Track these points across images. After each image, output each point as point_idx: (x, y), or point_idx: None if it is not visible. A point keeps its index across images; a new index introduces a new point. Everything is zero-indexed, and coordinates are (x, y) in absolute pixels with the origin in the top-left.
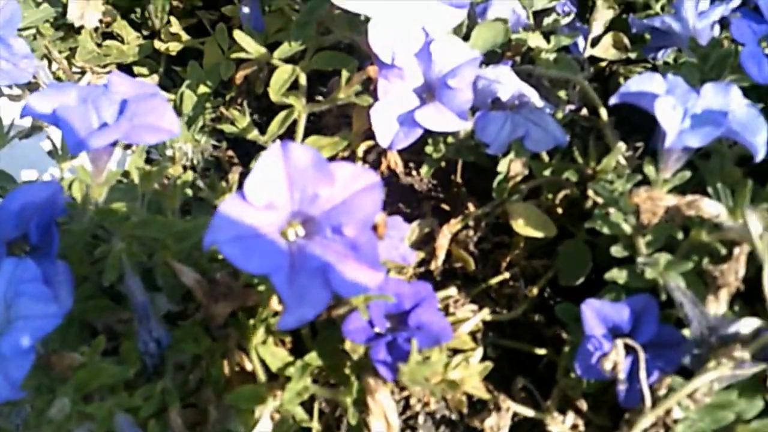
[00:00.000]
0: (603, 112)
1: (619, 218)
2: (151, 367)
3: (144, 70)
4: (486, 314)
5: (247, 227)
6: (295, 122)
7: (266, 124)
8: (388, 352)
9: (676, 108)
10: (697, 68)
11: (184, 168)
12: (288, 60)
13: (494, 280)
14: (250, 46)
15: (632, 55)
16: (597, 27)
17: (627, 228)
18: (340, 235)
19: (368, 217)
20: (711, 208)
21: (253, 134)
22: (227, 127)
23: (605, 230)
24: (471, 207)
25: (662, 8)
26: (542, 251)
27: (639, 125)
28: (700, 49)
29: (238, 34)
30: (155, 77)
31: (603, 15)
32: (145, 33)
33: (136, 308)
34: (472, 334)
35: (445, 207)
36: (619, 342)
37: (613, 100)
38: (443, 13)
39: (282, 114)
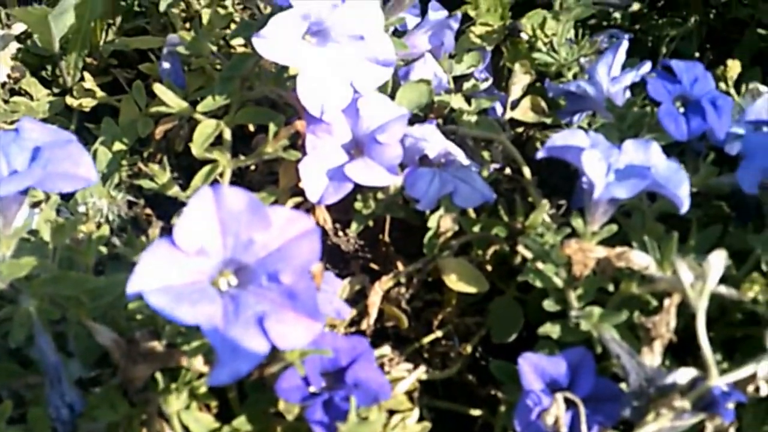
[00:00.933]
0: (526, 171)
1: (550, 271)
2: None
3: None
4: (422, 373)
5: (176, 275)
6: (218, 178)
7: (187, 181)
8: (324, 412)
9: (602, 161)
10: (615, 128)
11: (98, 225)
12: (211, 115)
13: (427, 339)
14: (171, 100)
15: (548, 120)
16: (515, 91)
17: (558, 281)
18: (276, 282)
19: (306, 264)
20: (640, 259)
21: (174, 190)
22: (146, 183)
23: (537, 284)
24: (400, 266)
25: (574, 75)
26: (473, 309)
27: (558, 186)
28: (617, 110)
29: (158, 88)
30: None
31: (521, 79)
32: (56, 91)
33: (48, 370)
34: (408, 394)
35: (374, 266)
36: (559, 396)
37: (540, 155)
38: (371, 70)
39: (206, 169)
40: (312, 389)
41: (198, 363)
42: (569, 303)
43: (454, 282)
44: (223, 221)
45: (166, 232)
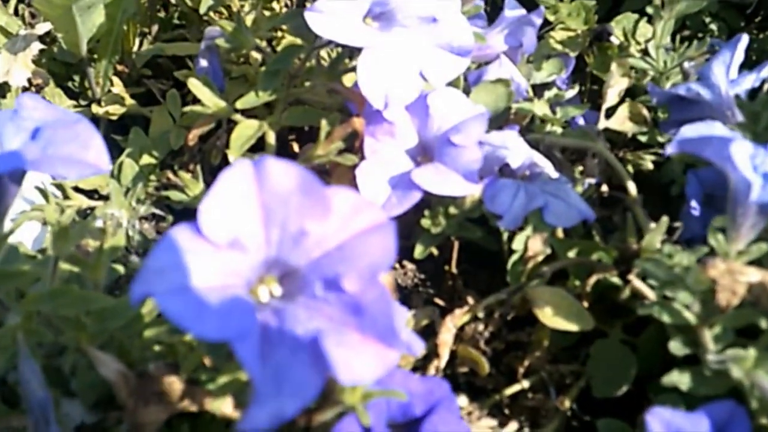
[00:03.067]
0: (631, 187)
1: (686, 299)
2: None
3: None
4: (514, 430)
5: (200, 273)
6: None
7: None
8: None
9: (755, 157)
10: (748, 129)
11: None
12: (252, 116)
13: (509, 390)
14: (207, 97)
15: (643, 138)
16: (611, 96)
17: (690, 316)
18: (336, 292)
19: (376, 267)
20: None
21: None
22: (175, 195)
23: (665, 318)
24: (471, 301)
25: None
26: (567, 354)
27: (655, 212)
28: (750, 107)
29: (193, 83)
30: None
31: (618, 82)
32: (83, 103)
33: (32, 409)
34: None
35: (439, 301)
36: None
37: (669, 150)
38: (444, 58)
39: None
40: None
41: (226, 406)
42: (703, 345)
43: (549, 317)
44: (266, 206)
45: None
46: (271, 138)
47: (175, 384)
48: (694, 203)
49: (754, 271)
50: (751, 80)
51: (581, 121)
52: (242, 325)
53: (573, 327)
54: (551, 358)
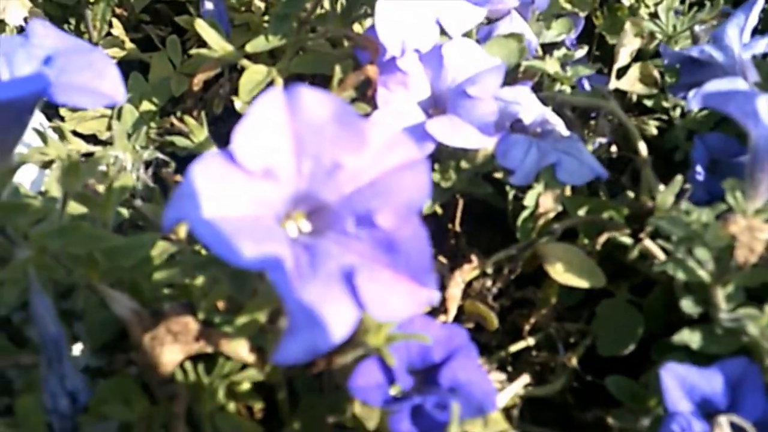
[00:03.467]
0: (642, 147)
1: (704, 255)
2: None
3: None
4: (523, 384)
5: (233, 201)
6: None
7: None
8: (412, 423)
9: None
10: (763, 89)
11: None
12: (260, 62)
13: (514, 347)
14: (213, 40)
15: (648, 103)
16: (623, 55)
17: (704, 275)
18: (368, 227)
19: (413, 203)
20: None
21: (212, 151)
22: (180, 140)
23: (680, 276)
24: (475, 260)
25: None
26: (571, 314)
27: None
28: (765, 67)
29: (200, 24)
30: None
31: (630, 42)
32: None
33: (45, 344)
34: (506, 411)
35: (442, 260)
36: (723, 419)
37: (693, 104)
38: (462, 8)
39: None
40: (395, 390)
41: (242, 349)
42: (715, 303)
43: (560, 273)
44: (298, 136)
45: None
46: (280, 85)
47: (191, 324)
48: (699, 168)
49: None
50: (763, 44)
51: (587, 85)
52: (276, 254)
53: (584, 283)
54: (557, 316)
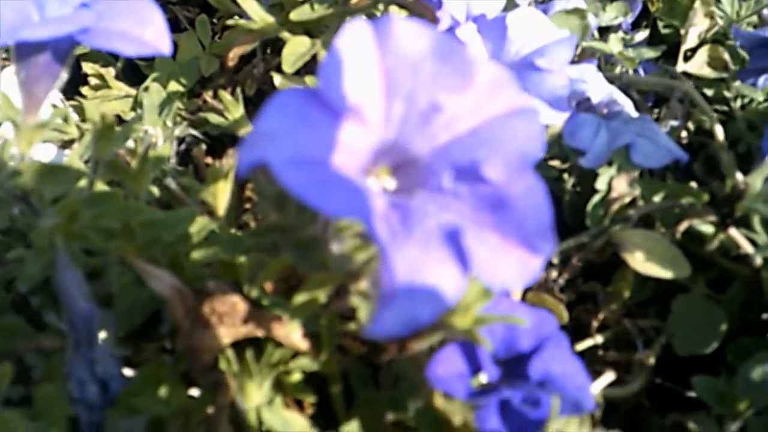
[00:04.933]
0: (719, 131)
1: None
2: (86, 428)
3: (95, 66)
4: (607, 382)
5: (315, 144)
6: None
7: None
8: (501, 420)
9: None
10: None
11: None
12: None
13: (581, 345)
14: (254, 10)
15: (709, 93)
16: (692, 36)
17: None
18: (471, 183)
19: (526, 153)
20: None
21: (248, 129)
22: (213, 117)
23: None
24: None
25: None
26: (639, 310)
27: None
28: None
29: None
30: (111, 71)
31: (700, 22)
32: None
33: (74, 323)
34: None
35: None
36: None
37: None
38: None
39: None
40: (480, 382)
41: (296, 334)
42: None
43: (640, 263)
44: (389, 74)
45: None
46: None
47: (239, 305)
48: None
49: None
50: None
51: (641, 71)
52: (371, 206)
53: (668, 273)
54: (626, 312)
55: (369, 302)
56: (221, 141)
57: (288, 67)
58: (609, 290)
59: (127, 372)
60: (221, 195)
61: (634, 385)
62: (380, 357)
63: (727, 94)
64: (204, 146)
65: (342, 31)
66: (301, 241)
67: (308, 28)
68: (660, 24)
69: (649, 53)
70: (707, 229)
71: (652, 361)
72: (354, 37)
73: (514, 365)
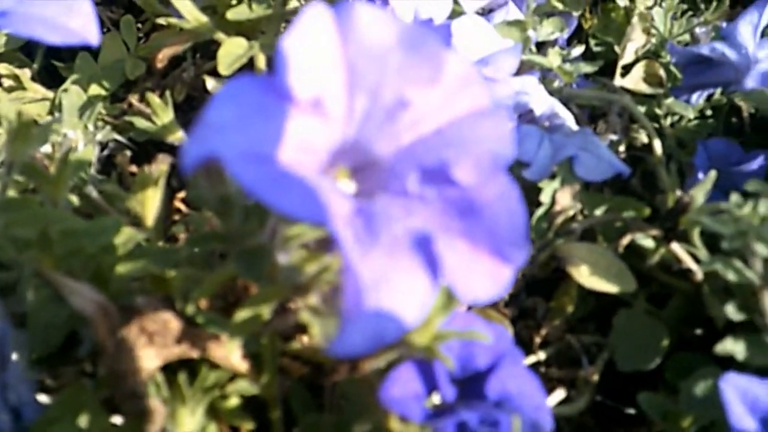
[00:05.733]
0: (657, 145)
1: (763, 250)
2: None
3: (9, 67)
4: (557, 401)
5: (276, 139)
6: None
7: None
8: None
9: None
10: None
11: None
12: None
13: (525, 362)
14: (188, 10)
15: (641, 109)
16: (629, 52)
17: (752, 276)
18: (439, 185)
19: (498, 155)
20: None
21: (177, 136)
22: (140, 122)
23: (730, 276)
24: None
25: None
26: (580, 325)
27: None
28: None
29: None
30: (27, 72)
31: (638, 38)
32: None
33: None
34: None
35: None
36: None
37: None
38: None
39: None
40: (434, 402)
41: (234, 354)
42: (763, 309)
43: (585, 276)
44: (352, 65)
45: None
46: (262, 62)
47: (171, 323)
48: (701, 175)
49: None
50: None
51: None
52: (335, 205)
53: (613, 288)
54: (568, 328)
55: (321, 318)
56: (147, 148)
57: (224, 69)
58: (551, 305)
59: (43, 398)
60: (150, 204)
61: (581, 403)
62: (328, 378)
63: (657, 111)
64: (129, 153)
65: (300, 15)
66: (247, 251)
67: (243, 30)
68: (592, 42)
69: (587, 68)
70: (648, 243)
71: (596, 378)
72: (313, 22)
73: (470, 384)
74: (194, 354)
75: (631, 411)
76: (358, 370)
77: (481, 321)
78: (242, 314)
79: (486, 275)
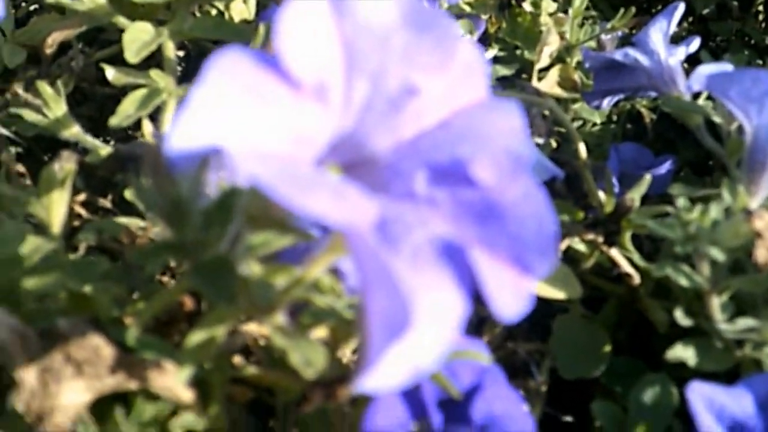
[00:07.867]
0: (582, 148)
1: (718, 255)
2: None
3: None
4: None
5: (270, 125)
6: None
7: (94, 125)
8: None
9: None
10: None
11: None
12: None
13: None
14: None
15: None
16: (544, 56)
17: (701, 280)
18: (453, 186)
19: (519, 153)
20: None
21: (73, 131)
22: (29, 115)
23: (682, 282)
24: None
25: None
26: (521, 331)
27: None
28: None
29: None
30: None
31: (553, 42)
32: None
33: None
34: None
35: None
36: None
37: (697, 86)
38: None
39: (138, 93)
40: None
41: (178, 385)
42: (711, 315)
43: None
44: (350, 45)
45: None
46: (170, 51)
47: (103, 350)
48: (614, 180)
49: None
50: (683, 52)
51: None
52: (356, 208)
53: (560, 294)
54: (507, 335)
55: (296, 341)
56: (39, 141)
57: (131, 56)
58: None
59: None
60: (56, 208)
61: (534, 415)
62: (302, 407)
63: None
64: (14, 150)
65: None
66: (208, 264)
67: (142, 15)
68: (496, 46)
69: (504, 71)
70: (583, 247)
71: (544, 388)
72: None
73: (454, 407)
74: (132, 385)
75: (568, 419)
76: (335, 396)
77: (460, 337)
78: (195, 337)
79: (506, 288)
